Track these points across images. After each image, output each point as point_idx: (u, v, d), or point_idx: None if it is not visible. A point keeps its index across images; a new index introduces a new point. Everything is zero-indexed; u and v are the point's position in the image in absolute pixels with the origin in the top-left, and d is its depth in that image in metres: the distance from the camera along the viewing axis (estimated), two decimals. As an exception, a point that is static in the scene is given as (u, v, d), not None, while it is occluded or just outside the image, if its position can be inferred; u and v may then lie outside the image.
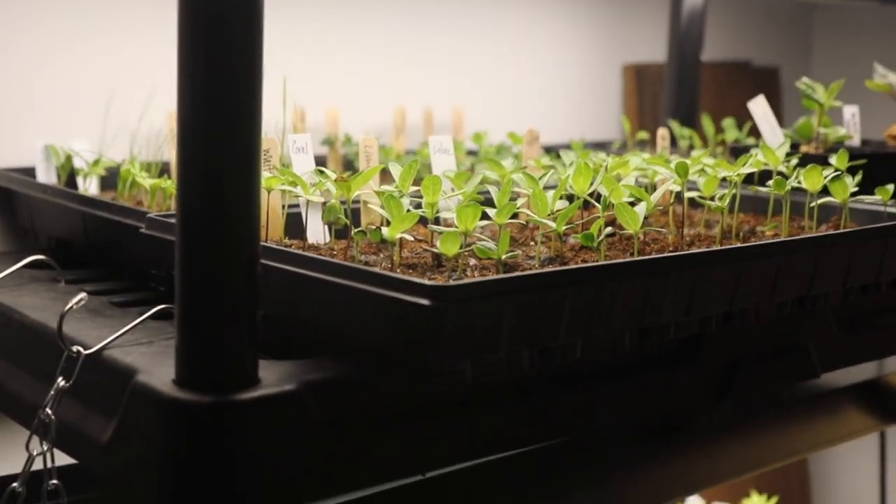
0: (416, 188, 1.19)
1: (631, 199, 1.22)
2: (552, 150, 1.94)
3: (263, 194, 1.19)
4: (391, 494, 1.43)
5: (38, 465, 1.07)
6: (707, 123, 2.21)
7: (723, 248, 1.22)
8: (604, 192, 1.24)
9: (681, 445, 1.68)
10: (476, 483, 1.47)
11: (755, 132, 1.90)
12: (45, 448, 1.07)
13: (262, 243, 1.03)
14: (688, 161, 1.35)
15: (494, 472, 1.52)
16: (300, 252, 1.07)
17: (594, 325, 1.07)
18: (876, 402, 2.05)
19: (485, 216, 1.13)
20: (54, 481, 1.07)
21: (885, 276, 1.43)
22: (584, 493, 1.54)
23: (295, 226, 1.27)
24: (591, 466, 1.56)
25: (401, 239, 1.13)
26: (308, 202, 1.24)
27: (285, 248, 1.10)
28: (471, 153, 2.08)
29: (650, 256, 1.16)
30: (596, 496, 1.56)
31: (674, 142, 2.18)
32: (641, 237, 1.30)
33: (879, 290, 1.45)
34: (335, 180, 1.19)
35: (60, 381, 1.07)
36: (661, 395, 1.31)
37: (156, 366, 1.02)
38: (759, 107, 1.75)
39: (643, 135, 2.26)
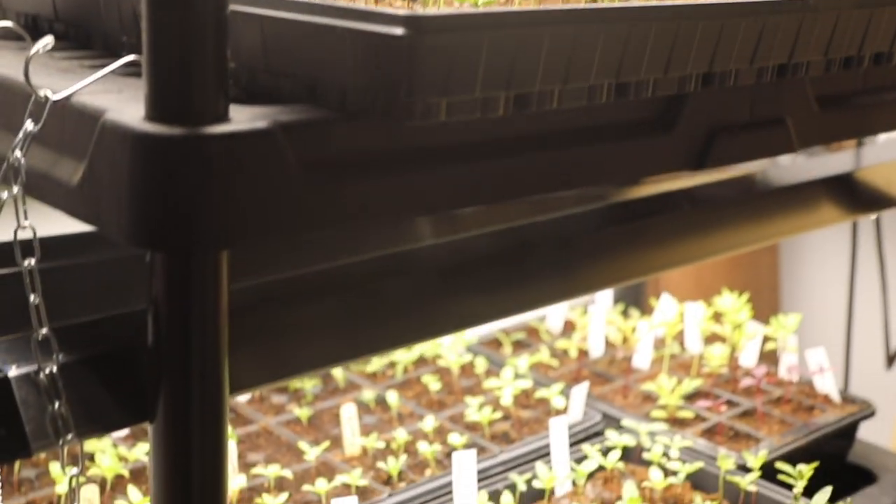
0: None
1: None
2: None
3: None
4: (363, 265, 1.45)
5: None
6: None
7: (706, 2, 1.19)
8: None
9: (653, 227, 1.69)
10: (447, 259, 1.49)
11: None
12: (16, 191, 1.06)
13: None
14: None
15: (465, 248, 1.54)
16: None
17: (571, 75, 1.06)
18: (850, 194, 2.07)
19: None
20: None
21: (868, 49, 1.42)
22: (552, 272, 1.56)
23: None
24: (560, 249, 1.58)
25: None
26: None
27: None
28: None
29: (631, 4, 1.13)
30: (564, 275, 1.58)
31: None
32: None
33: (861, 64, 1.43)
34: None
35: (29, 125, 1.06)
36: (638, 159, 1.31)
37: (126, 106, 1.01)
38: None
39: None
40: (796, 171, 2.11)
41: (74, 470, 1.09)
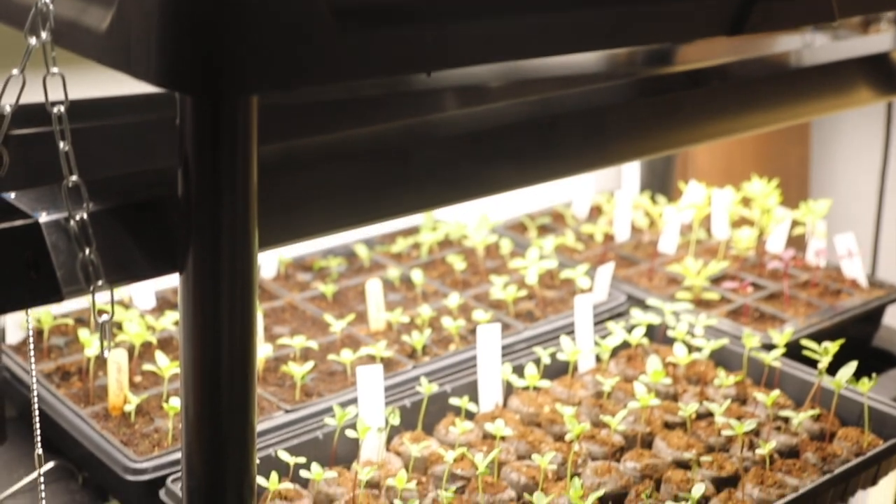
0: None
1: None
2: None
3: None
4: (394, 130, 1.44)
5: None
6: None
7: None
8: None
9: (683, 101, 1.67)
10: (477, 127, 1.47)
11: None
12: (45, 37, 1.05)
13: None
14: None
15: (495, 117, 1.52)
16: None
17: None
18: (886, 75, 2.03)
19: None
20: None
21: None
22: (581, 142, 1.54)
23: None
24: (589, 119, 1.56)
25: None
26: None
27: None
28: None
29: None
30: (593, 146, 1.56)
31: None
32: None
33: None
34: None
35: (57, -32, 1.04)
36: (677, 21, 1.29)
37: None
38: None
39: None
40: (831, 51, 2.07)
41: (105, 316, 1.09)
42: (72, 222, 1.07)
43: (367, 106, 1.52)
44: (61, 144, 1.08)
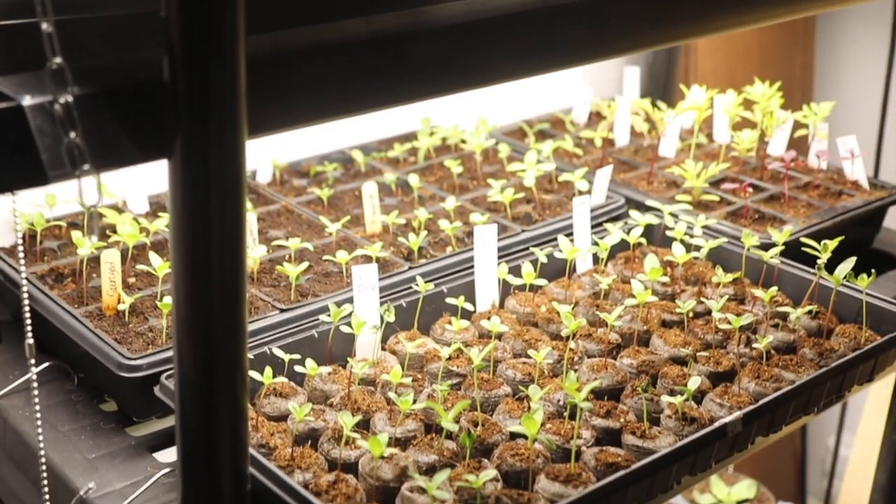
0: None
1: None
2: None
3: None
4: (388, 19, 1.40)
5: None
6: None
7: None
8: None
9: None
10: (472, 17, 1.43)
11: None
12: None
13: None
14: None
15: (491, 7, 1.48)
16: None
17: None
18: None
19: None
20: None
21: None
22: (581, 34, 1.51)
23: None
24: (589, 9, 1.52)
25: None
26: None
27: None
28: None
29: None
30: (592, 37, 1.52)
31: None
32: None
33: None
34: None
35: None
36: None
37: None
38: None
39: None
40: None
41: (92, 200, 1.07)
42: (56, 105, 1.04)
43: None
44: (44, 25, 1.05)
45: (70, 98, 1.04)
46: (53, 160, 1.04)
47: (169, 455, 1.57)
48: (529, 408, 1.51)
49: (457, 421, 1.43)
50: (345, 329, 1.63)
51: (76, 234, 1.82)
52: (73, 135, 1.04)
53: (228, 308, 1.11)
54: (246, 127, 1.07)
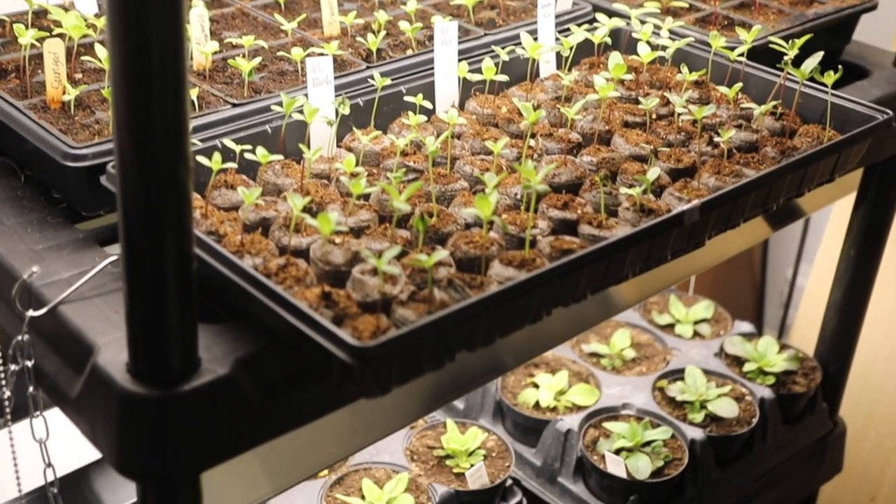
0: None
1: None
2: None
3: None
4: None
5: None
6: None
7: None
8: None
9: None
10: None
11: None
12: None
13: None
14: None
15: None
16: None
17: None
18: None
19: None
20: None
21: None
22: None
23: None
24: None
25: None
26: None
27: None
28: None
29: None
30: None
31: None
32: None
33: None
34: None
35: None
36: None
37: None
38: None
39: None
40: None
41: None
42: None
43: None
44: None
45: None
46: None
47: (119, 249, 1.53)
48: (486, 198, 1.48)
49: (411, 206, 1.40)
50: (298, 120, 1.58)
51: (19, 27, 1.75)
52: None
53: (169, 89, 1.06)
54: None
